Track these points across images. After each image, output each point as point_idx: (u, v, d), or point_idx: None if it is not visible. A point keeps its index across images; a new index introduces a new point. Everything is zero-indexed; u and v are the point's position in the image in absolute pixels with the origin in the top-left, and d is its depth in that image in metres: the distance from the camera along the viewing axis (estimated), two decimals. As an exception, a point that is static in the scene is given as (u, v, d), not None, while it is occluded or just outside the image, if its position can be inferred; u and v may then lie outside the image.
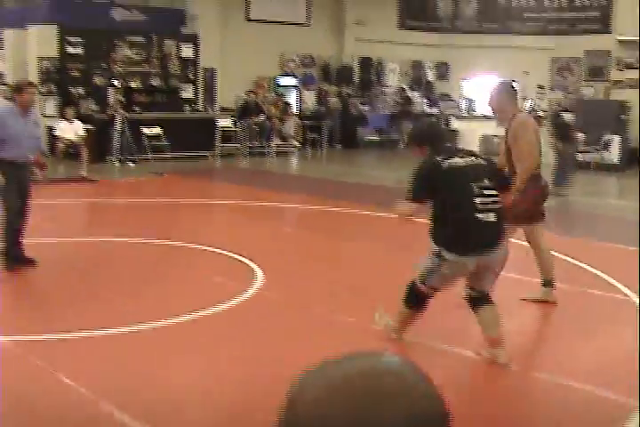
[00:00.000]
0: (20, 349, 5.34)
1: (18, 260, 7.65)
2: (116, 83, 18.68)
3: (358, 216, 11.07)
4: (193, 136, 18.62)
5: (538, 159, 6.58)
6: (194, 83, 21.30)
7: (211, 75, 21.61)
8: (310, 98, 24.16)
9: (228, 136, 19.46)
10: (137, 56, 20.23)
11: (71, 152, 15.69)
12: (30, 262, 7.66)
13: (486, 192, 5.14)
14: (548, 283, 6.73)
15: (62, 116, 16.93)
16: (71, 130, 15.79)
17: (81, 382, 4.74)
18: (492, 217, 5.11)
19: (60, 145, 15.69)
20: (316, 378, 1.17)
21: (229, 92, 21.89)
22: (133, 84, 19.82)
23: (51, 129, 16.60)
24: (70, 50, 19.26)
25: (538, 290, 6.76)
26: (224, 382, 4.98)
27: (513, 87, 6.90)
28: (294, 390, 1.17)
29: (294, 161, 20.05)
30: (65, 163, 15.28)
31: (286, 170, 18.48)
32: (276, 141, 20.20)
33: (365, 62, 25.19)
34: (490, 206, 5.13)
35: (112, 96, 18.15)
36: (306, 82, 24.29)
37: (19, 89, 7.72)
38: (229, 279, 7.31)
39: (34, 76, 18.94)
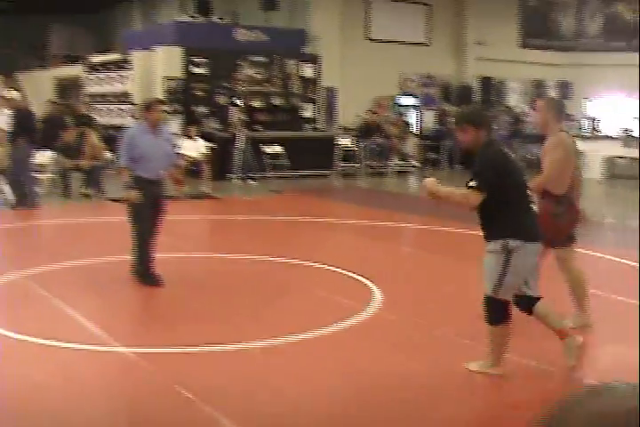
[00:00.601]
0: (143, 361, 5.40)
1: (147, 275, 7.75)
2: (238, 102, 18.99)
3: (477, 237, 10.88)
4: (312, 155, 18.73)
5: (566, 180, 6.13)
6: (314, 102, 21.46)
7: (331, 94, 21.75)
8: (430, 118, 24.05)
9: (347, 155, 19.49)
10: (259, 76, 20.52)
11: (194, 170, 15.98)
12: (157, 278, 7.75)
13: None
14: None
15: (186, 134, 17.27)
16: (194, 148, 16.09)
17: (202, 396, 4.76)
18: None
19: (183, 163, 15.97)
20: (576, 411, 1.09)
21: (349, 112, 21.98)
22: (255, 104, 20.12)
23: (174, 147, 16.92)
24: (194, 70, 19.69)
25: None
26: (349, 399, 4.93)
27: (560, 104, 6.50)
28: (555, 421, 1.10)
29: (413, 181, 19.93)
30: (187, 180, 15.55)
31: (405, 190, 18.38)
32: (395, 161, 20.15)
33: (486, 82, 24.96)
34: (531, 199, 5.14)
35: (234, 115, 18.43)
36: (426, 101, 24.21)
37: (147, 107, 7.82)
38: (347, 298, 7.27)
39: (159, 96, 19.44)
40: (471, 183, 4.96)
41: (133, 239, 7.75)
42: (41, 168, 16.12)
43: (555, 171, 6.00)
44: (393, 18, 23.30)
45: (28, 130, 13.24)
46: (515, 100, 25.24)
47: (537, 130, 6.28)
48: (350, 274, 8.18)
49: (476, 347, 5.77)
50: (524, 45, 25.55)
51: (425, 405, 4.79)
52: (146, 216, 7.69)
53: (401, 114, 22.27)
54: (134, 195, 7.58)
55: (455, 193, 5.14)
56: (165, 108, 7.86)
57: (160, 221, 7.88)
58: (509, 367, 5.26)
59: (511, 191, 5.02)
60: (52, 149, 15.97)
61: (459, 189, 5.12)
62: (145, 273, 7.77)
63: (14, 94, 14.19)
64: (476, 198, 4.95)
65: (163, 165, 7.84)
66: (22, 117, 13.25)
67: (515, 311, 5.22)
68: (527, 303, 5.22)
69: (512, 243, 4.97)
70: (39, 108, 22.40)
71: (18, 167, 13.21)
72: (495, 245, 5.08)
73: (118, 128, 15.01)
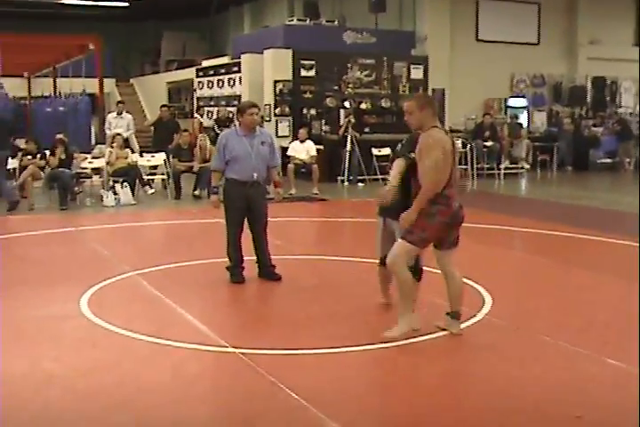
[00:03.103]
0: (253, 362, 5.42)
1: (234, 273, 7.99)
2: (347, 104, 19.02)
3: (589, 242, 10.64)
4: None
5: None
6: (423, 104, 21.31)
7: (440, 96, 21.59)
8: (541, 119, 23.65)
9: (455, 157, 19.24)
10: (367, 78, 20.51)
11: (303, 172, 16.07)
12: (242, 277, 8.01)
13: None
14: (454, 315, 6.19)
15: (295, 136, 17.39)
16: (303, 150, 16.19)
17: (309, 399, 4.75)
18: None
19: (292, 165, 16.09)
20: None
21: (458, 113, 21.80)
22: (363, 106, 20.13)
23: (284, 149, 17.07)
24: (303, 72, 19.82)
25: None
26: (455, 403, 4.86)
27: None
28: None
29: (523, 183, 19.61)
30: (296, 182, 15.65)
31: (515, 192, 18.08)
32: (505, 163, 19.86)
33: (599, 82, 24.39)
34: None
35: (343, 117, 18.47)
36: (536, 102, 23.81)
37: (242, 111, 7.91)
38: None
39: (269, 98, 19.66)
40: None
41: (226, 239, 8.00)
42: (153, 170, 16.49)
43: (432, 169, 5.71)
44: (502, 18, 22.99)
45: None
46: (628, 100, 24.60)
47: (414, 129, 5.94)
48: (460, 277, 8.08)
49: (590, 355, 5.62)
50: (640, 44, 24.91)
51: (534, 415, 4.68)
52: (237, 218, 7.89)
53: (513, 116, 21.90)
54: (215, 199, 7.95)
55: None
56: (259, 111, 7.91)
57: (261, 223, 8.00)
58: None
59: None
60: (164, 151, 16.32)
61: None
62: (233, 271, 8.00)
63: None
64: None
65: (257, 168, 7.90)
66: None
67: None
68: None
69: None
70: (152, 112, 22.99)
71: None
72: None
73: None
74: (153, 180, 15.94)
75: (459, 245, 6.23)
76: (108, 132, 18.15)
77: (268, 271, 8.07)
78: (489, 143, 19.50)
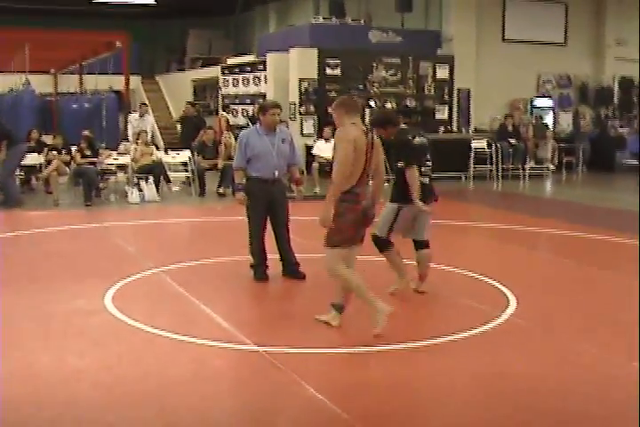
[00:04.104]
0: (276, 360, 5.43)
1: (257, 271, 8.05)
2: (372, 103, 19.00)
3: (614, 244, 10.58)
4: (446, 157, 18.47)
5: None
6: (448, 104, 21.28)
7: (466, 96, 21.53)
8: (566, 120, 23.52)
9: (481, 158, 19.20)
10: (392, 77, 20.48)
11: (327, 170, 16.04)
12: (265, 274, 8.07)
13: None
14: (339, 307, 6.29)
15: (320, 135, 17.38)
16: (328, 149, 16.15)
17: (333, 398, 4.75)
18: None
19: (316, 164, 16.08)
20: None
21: (484, 114, 21.73)
22: (389, 105, 20.09)
23: (309, 148, 17.06)
24: (329, 71, 19.81)
25: None
26: (482, 403, 4.84)
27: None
28: None
29: (548, 184, 19.52)
30: (320, 181, 15.65)
31: (540, 193, 17.99)
32: (530, 164, 19.77)
33: (626, 83, 24.21)
34: None
35: (368, 116, 18.44)
36: (562, 103, 23.68)
37: (263, 110, 7.96)
38: (481, 303, 7.14)
39: (294, 97, 19.68)
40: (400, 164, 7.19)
41: (249, 237, 8.06)
42: (178, 167, 16.55)
43: (341, 163, 5.97)
44: (529, 18, 22.88)
45: None
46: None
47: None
48: (484, 278, 8.06)
49: (611, 359, 5.58)
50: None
51: (561, 417, 4.66)
52: (260, 215, 7.96)
53: (538, 116, 21.78)
54: (241, 196, 7.89)
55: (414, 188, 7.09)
56: (280, 111, 7.96)
57: (283, 220, 8.04)
58: None
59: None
60: (188, 148, 16.37)
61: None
62: (256, 269, 8.06)
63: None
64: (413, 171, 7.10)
65: (279, 166, 7.97)
66: None
67: None
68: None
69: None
70: (177, 110, 23.06)
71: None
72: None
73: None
74: (170, 180, 15.92)
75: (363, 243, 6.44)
76: (129, 132, 18.35)
77: (292, 269, 8.10)
78: (513, 143, 19.41)
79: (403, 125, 7.45)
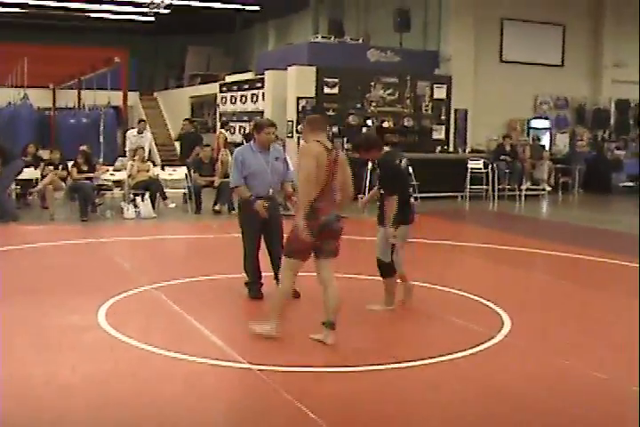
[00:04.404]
0: (268, 378, 5.40)
1: (252, 288, 8.05)
2: (369, 122, 19.03)
3: (609, 265, 10.57)
4: (442, 177, 18.58)
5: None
6: (445, 124, 21.33)
7: (463, 116, 21.58)
8: (563, 140, 23.59)
9: (476, 178, 19.22)
10: (390, 96, 20.54)
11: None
12: (259, 292, 8.05)
13: None
14: (329, 324, 6.33)
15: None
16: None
17: (325, 417, 4.73)
18: None
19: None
20: None
21: (481, 134, 21.78)
22: (386, 124, 20.12)
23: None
24: (326, 90, 19.86)
25: None
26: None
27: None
28: None
29: (544, 205, 19.55)
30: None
31: (536, 214, 18.01)
32: (526, 185, 19.80)
33: (622, 104, 24.30)
34: None
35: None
36: (559, 124, 23.76)
37: (259, 128, 7.94)
38: (475, 324, 7.13)
39: (292, 115, 19.70)
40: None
41: (244, 255, 8.05)
42: (176, 184, 16.54)
43: (303, 180, 6.23)
44: (527, 39, 22.99)
45: None
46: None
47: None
48: (478, 299, 8.04)
49: (608, 381, 5.56)
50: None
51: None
52: (255, 232, 7.95)
53: (535, 137, 21.83)
54: (261, 203, 7.82)
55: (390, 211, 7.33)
56: (275, 130, 8.00)
57: (277, 237, 7.99)
58: None
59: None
60: (185, 165, 16.37)
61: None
62: (251, 287, 8.06)
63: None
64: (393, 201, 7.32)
65: (273, 183, 7.99)
66: None
67: None
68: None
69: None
70: (175, 127, 23.09)
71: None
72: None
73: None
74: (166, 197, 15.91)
75: (338, 255, 6.70)
76: (127, 148, 18.38)
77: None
78: (511, 163, 19.44)
79: (386, 148, 7.65)
